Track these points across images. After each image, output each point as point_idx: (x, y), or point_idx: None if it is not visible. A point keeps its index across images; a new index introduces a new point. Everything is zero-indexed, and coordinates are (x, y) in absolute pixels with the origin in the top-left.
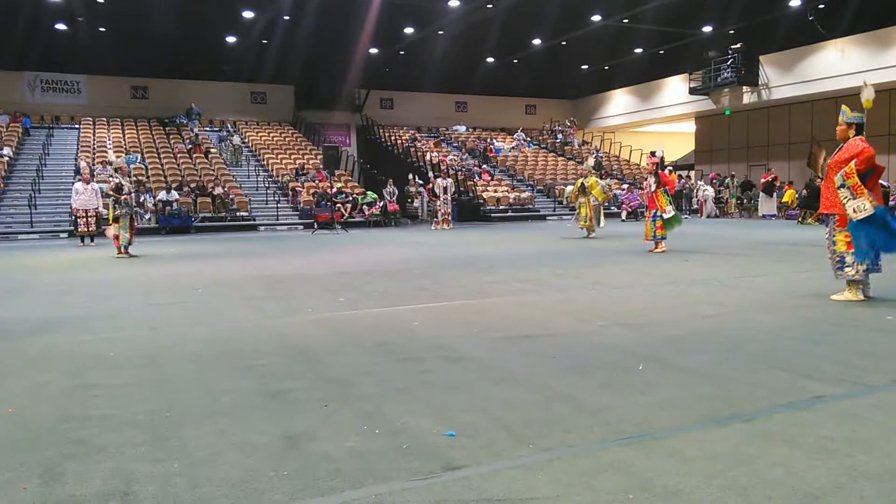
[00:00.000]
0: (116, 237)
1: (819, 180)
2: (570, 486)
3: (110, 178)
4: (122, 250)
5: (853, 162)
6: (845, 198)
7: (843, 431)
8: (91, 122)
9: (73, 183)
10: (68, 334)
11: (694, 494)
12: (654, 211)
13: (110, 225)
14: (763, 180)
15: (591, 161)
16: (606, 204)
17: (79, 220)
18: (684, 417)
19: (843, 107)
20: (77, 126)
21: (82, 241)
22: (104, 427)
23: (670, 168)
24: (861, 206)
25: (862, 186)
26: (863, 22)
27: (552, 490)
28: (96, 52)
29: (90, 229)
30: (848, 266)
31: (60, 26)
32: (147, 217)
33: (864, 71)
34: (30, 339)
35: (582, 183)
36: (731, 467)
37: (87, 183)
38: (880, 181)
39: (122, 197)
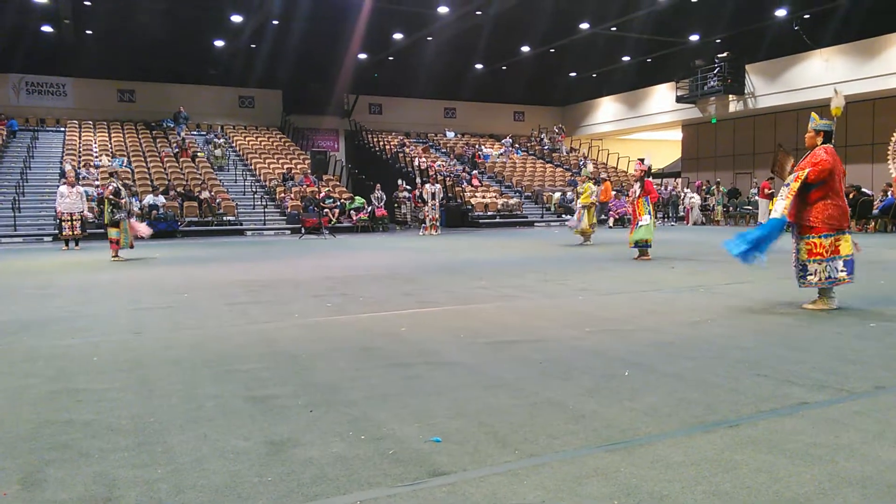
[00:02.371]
0: (117, 241)
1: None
2: (556, 492)
3: (99, 183)
4: (118, 254)
5: (808, 170)
6: (781, 194)
7: (826, 438)
8: (77, 125)
9: (57, 186)
10: (52, 338)
11: (678, 500)
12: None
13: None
14: (769, 191)
15: (590, 167)
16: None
17: (63, 223)
18: (669, 423)
19: (813, 114)
20: (63, 129)
21: (66, 244)
22: (87, 432)
23: (604, 178)
24: (777, 208)
25: (794, 192)
26: (847, 32)
27: (537, 496)
28: (83, 54)
29: (75, 233)
30: (811, 274)
31: (47, 28)
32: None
33: (848, 80)
34: (12, 342)
35: (576, 190)
36: (716, 473)
37: (72, 186)
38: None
39: (122, 201)
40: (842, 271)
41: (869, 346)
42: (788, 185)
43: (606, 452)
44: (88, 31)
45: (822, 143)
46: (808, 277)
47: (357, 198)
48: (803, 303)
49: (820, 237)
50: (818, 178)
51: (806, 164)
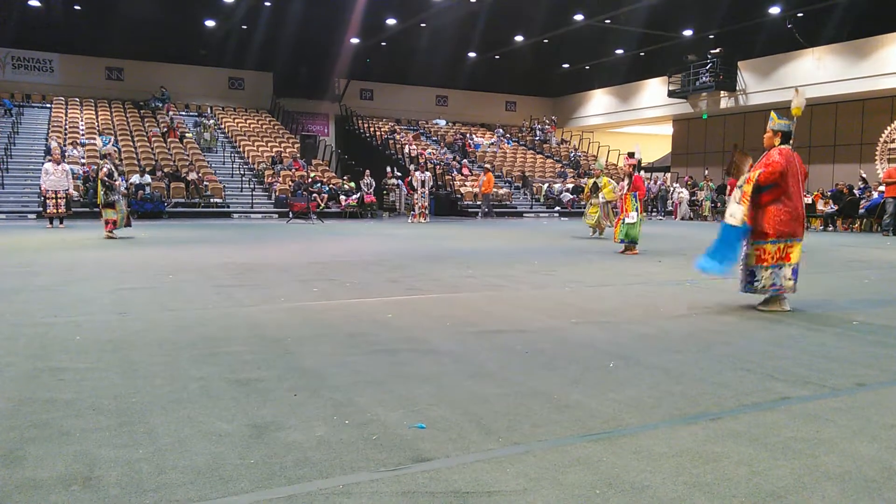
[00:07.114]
0: (114, 222)
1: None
2: (538, 481)
3: (85, 161)
4: (112, 234)
5: (759, 171)
6: (734, 197)
7: (807, 432)
8: (63, 102)
9: (42, 163)
10: (34, 316)
11: (660, 491)
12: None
13: (105, 210)
14: None
15: (602, 161)
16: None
17: (48, 201)
18: (652, 415)
19: (772, 113)
20: (48, 105)
21: (51, 222)
22: (68, 411)
23: (487, 167)
24: (734, 213)
25: (748, 196)
26: (840, 32)
27: (519, 484)
28: (70, 30)
29: (59, 211)
30: (757, 280)
31: (34, 2)
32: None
33: (839, 80)
34: None
35: (595, 182)
36: (697, 465)
37: (58, 164)
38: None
39: (116, 183)
40: (788, 279)
41: (851, 343)
42: (741, 186)
43: (589, 442)
44: (77, 7)
45: (780, 143)
46: (755, 284)
47: (351, 183)
48: (757, 304)
49: (768, 242)
50: (768, 181)
51: (759, 166)
